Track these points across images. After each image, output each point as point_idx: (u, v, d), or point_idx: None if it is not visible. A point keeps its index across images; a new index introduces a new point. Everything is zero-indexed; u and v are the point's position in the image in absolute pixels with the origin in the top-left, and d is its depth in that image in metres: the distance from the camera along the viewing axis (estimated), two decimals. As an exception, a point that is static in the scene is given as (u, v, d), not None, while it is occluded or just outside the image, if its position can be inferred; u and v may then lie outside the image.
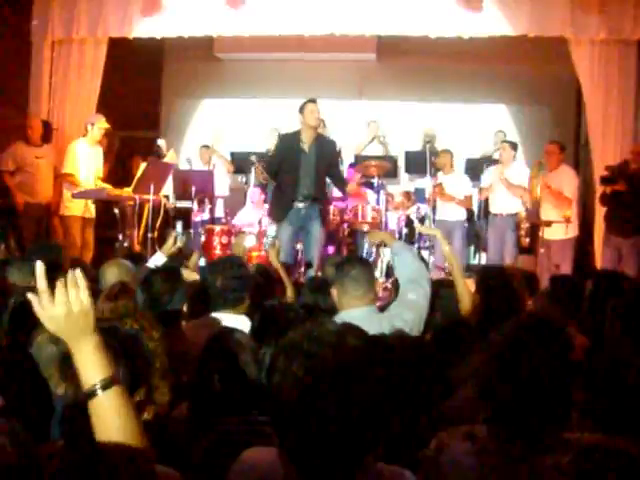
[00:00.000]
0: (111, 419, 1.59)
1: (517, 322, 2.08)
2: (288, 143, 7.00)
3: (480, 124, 10.60)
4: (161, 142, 9.49)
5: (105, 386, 1.60)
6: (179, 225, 6.11)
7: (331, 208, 8.60)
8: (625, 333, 2.79)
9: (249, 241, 7.92)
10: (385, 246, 6.16)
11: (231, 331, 2.60)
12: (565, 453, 1.77)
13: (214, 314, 3.70)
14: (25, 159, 8.19)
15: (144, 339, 2.07)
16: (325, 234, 7.40)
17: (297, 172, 6.93)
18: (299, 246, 7.23)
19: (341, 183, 7.53)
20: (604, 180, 7.67)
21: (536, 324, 2.03)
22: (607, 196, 7.72)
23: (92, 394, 1.60)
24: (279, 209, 7.22)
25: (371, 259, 7.71)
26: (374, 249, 7.96)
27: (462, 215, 8.90)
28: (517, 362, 1.91)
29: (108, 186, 8.10)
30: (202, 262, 7.43)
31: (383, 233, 4.67)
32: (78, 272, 1.65)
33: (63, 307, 1.58)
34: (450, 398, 2.88)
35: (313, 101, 7.01)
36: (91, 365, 1.60)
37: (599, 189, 7.98)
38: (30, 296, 1.60)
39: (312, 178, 6.96)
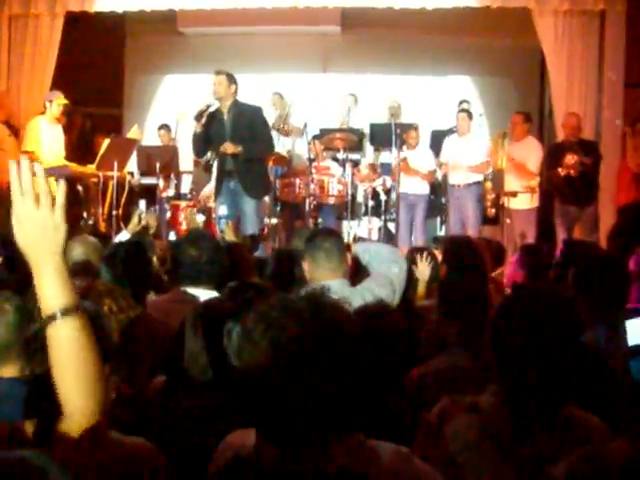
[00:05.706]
0: (68, 348, 1.53)
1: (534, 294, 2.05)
2: (214, 117, 6.88)
3: (445, 96, 10.58)
4: None
5: (65, 312, 1.53)
6: (142, 203, 6.12)
7: (297, 181, 8.58)
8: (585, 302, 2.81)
9: (200, 217, 7.96)
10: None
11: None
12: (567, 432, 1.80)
13: (189, 289, 3.60)
14: (2, 137, 7.78)
15: (105, 317, 2.03)
16: (260, 203, 7.27)
17: (219, 145, 6.86)
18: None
19: (263, 146, 7.15)
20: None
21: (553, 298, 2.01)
22: (560, 177, 7.71)
23: (51, 319, 1.53)
24: (215, 186, 7.27)
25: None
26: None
27: (425, 189, 8.87)
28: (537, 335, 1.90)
29: (72, 164, 7.96)
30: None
31: None
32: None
33: (45, 210, 1.57)
34: (419, 367, 2.92)
35: (217, 73, 7.01)
36: (54, 289, 1.53)
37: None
38: (15, 196, 1.57)
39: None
